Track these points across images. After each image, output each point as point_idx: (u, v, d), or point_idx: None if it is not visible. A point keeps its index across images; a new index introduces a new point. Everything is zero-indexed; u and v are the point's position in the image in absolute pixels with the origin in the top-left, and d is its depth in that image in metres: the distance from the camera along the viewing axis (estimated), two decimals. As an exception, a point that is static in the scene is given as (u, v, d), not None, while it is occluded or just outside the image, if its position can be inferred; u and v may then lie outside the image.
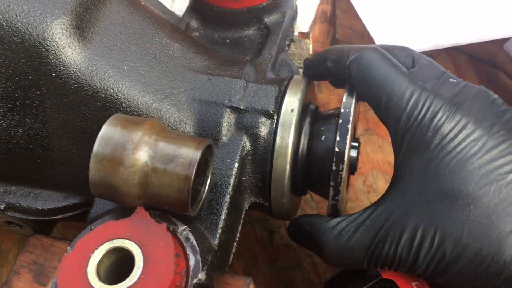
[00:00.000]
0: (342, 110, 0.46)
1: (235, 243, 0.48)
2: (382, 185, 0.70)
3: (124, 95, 0.47)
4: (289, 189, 0.49)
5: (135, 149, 0.40)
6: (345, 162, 0.45)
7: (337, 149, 0.45)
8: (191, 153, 0.41)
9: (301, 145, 0.49)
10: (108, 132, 0.41)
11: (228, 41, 0.60)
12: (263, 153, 0.48)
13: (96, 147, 0.40)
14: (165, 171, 0.40)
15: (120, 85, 0.47)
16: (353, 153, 0.51)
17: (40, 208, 0.50)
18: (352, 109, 0.46)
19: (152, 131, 0.41)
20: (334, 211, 0.47)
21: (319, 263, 0.64)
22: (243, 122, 0.48)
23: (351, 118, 0.46)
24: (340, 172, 0.45)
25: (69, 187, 0.51)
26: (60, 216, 0.51)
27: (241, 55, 0.58)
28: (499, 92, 0.46)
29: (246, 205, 0.50)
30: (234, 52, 0.58)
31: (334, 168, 0.45)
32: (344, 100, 0.47)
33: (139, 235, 0.40)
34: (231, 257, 0.48)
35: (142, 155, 0.40)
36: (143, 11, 0.52)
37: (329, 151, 0.47)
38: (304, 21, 0.67)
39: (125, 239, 0.40)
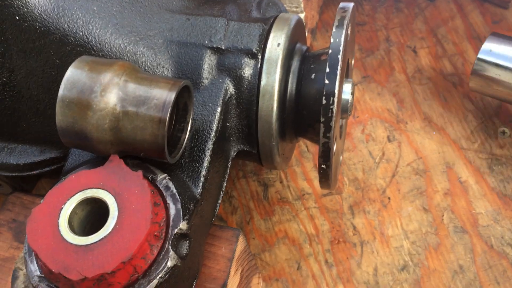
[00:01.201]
0: (332, 40, 0.43)
1: (221, 192, 0.46)
2: (381, 134, 0.66)
3: (94, 38, 0.43)
4: (277, 132, 0.45)
5: (103, 91, 0.37)
6: (336, 95, 0.41)
7: (326, 81, 0.42)
8: (164, 94, 0.38)
9: (289, 85, 0.46)
10: (75, 74, 0.38)
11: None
12: (248, 96, 0.45)
13: (61, 90, 0.37)
14: (137, 114, 0.37)
15: (90, 27, 0.43)
16: (346, 94, 0.47)
17: (15, 163, 0.48)
18: (342, 39, 0.42)
19: (122, 72, 0.38)
20: (326, 150, 0.43)
21: (316, 215, 0.61)
22: (225, 64, 0.45)
23: (341, 48, 0.42)
24: (331, 106, 0.41)
25: (45, 140, 0.48)
26: (37, 172, 0.48)
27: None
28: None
29: (233, 153, 0.47)
30: (218, -6, 0.54)
31: (324, 102, 0.42)
32: (333, 30, 0.43)
33: (113, 184, 0.38)
34: (217, 208, 0.45)
35: (112, 98, 0.37)
36: None
37: (320, 91, 0.43)
38: (293, -41, 0.62)
39: (98, 188, 0.38)
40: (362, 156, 0.65)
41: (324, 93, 0.42)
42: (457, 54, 0.71)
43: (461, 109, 0.67)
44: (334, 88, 0.41)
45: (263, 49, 0.45)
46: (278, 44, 0.45)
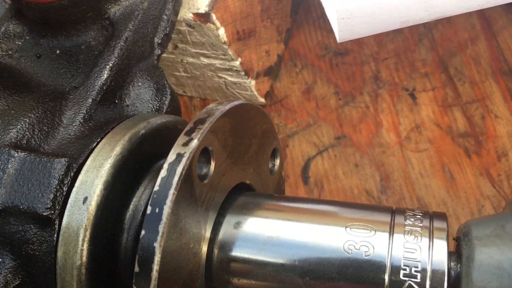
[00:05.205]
0: (149, 211, 0.24)
1: None
2: (355, 229, 0.46)
3: None
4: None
5: None
6: None
7: (137, 269, 0.24)
8: None
9: (122, 251, 0.28)
10: None
11: (58, 52, 0.38)
12: (45, 284, 0.28)
13: None
14: None
15: None
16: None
17: None
18: (165, 211, 0.24)
19: None
20: None
21: None
22: (4, 233, 0.28)
23: (160, 229, 0.24)
24: None
25: None
26: None
27: (68, 76, 0.36)
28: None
29: None
30: (61, 72, 0.37)
31: None
32: (155, 188, 0.25)
33: None
34: None
35: None
36: None
37: None
38: (201, -5, 0.42)
39: None
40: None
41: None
42: (476, 101, 0.48)
43: (474, 194, 0.45)
44: (150, 281, 0.24)
45: (61, 209, 0.27)
46: (85, 200, 0.27)
